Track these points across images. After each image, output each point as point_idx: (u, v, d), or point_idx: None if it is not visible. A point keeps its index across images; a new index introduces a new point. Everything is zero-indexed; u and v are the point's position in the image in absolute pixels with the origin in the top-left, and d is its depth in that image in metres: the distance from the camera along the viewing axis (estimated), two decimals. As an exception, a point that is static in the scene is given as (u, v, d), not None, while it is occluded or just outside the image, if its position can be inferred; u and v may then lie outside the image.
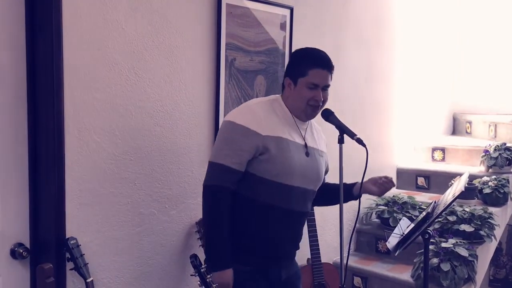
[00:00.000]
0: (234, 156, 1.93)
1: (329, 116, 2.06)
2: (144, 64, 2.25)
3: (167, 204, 2.41)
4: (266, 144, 1.94)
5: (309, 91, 1.98)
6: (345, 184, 2.11)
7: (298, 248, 2.18)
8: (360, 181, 2.09)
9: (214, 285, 2.31)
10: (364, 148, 1.93)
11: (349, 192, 2.17)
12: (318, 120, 2.17)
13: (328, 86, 2.02)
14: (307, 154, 2.05)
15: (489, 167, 3.95)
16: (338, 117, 2.06)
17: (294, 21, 2.99)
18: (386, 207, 3.55)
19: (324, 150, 2.18)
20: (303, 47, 2.12)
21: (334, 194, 2.08)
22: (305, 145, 2.06)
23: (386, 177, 2.13)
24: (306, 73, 1.97)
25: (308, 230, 2.88)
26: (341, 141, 1.98)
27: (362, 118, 3.74)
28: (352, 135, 1.97)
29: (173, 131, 2.41)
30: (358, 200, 2.09)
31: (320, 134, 2.20)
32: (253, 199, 1.99)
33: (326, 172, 2.27)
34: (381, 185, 2.12)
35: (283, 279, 2.09)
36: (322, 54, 2.04)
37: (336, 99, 3.37)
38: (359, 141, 1.95)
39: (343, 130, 2.00)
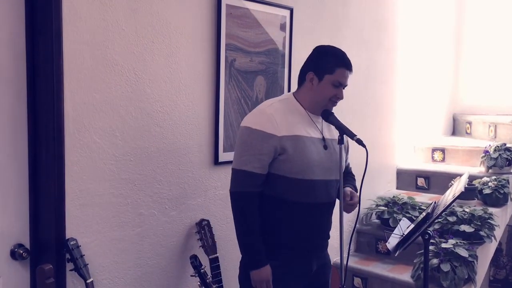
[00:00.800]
0: (255, 161, 1.97)
1: (329, 116, 2.07)
2: (144, 65, 2.25)
3: (167, 205, 2.41)
4: (283, 145, 1.97)
5: (334, 89, 2.04)
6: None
7: (328, 237, 2.19)
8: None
9: (214, 286, 2.32)
10: (364, 149, 1.93)
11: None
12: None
13: (346, 86, 2.09)
14: (325, 147, 2.08)
15: (489, 167, 3.95)
16: (338, 118, 2.07)
17: (294, 22, 3.00)
18: (386, 208, 3.55)
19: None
20: (325, 44, 2.16)
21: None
22: (323, 138, 2.08)
23: (352, 199, 2.11)
24: (334, 71, 2.03)
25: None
26: (341, 141, 1.99)
27: (362, 119, 3.74)
28: (352, 135, 1.98)
29: (173, 131, 2.41)
30: (358, 200, 2.09)
31: None
32: (278, 197, 2.03)
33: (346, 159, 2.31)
34: (346, 205, 2.10)
35: (314, 270, 2.12)
36: (346, 56, 2.09)
37: (336, 100, 3.37)
38: (359, 142, 1.95)
39: (343, 130, 2.00)
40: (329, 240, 2.20)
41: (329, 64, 2.03)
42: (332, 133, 2.14)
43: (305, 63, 2.13)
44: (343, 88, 2.08)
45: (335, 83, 2.04)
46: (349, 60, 2.08)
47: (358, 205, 2.12)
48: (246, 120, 2.07)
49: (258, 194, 2.02)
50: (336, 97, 2.06)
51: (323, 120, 2.12)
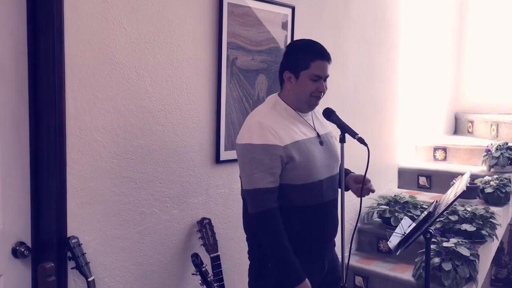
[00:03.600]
0: (267, 176, 1.90)
1: (330, 115, 2.06)
2: (145, 63, 2.25)
3: (169, 203, 2.41)
4: (289, 154, 1.92)
5: (313, 83, 1.98)
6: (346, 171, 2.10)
7: (337, 233, 2.16)
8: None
9: (215, 285, 2.32)
10: (366, 148, 1.93)
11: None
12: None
13: (327, 76, 2.02)
14: (321, 143, 2.05)
15: (490, 166, 3.95)
16: (339, 116, 2.06)
17: (295, 20, 2.99)
18: (388, 207, 3.55)
19: (331, 129, 2.17)
20: (298, 39, 2.11)
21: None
22: (318, 135, 2.06)
23: (367, 185, 2.07)
24: (309, 66, 1.96)
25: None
26: (342, 140, 1.98)
27: (364, 117, 3.74)
28: (353, 134, 1.97)
29: (174, 130, 2.41)
30: (359, 200, 2.08)
31: (321, 114, 2.17)
32: (287, 204, 1.97)
33: None
34: (366, 189, 2.08)
35: (326, 269, 2.10)
36: (320, 46, 2.03)
37: (337, 98, 3.37)
38: (361, 141, 1.95)
39: (344, 129, 1.99)
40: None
41: (303, 60, 1.97)
42: (323, 126, 2.12)
43: (281, 62, 2.08)
44: (325, 80, 2.01)
45: (312, 78, 1.97)
46: (325, 50, 2.00)
47: (360, 203, 2.10)
48: (243, 137, 1.97)
49: (278, 207, 1.94)
50: (318, 91, 1.99)
51: (313, 115, 2.10)
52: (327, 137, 2.11)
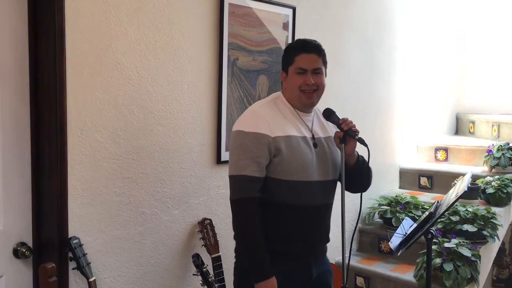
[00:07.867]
0: (253, 164, 1.91)
1: (330, 115, 2.05)
2: (146, 64, 2.25)
3: (170, 203, 2.41)
4: (277, 145, 1.93)
5: (298, 77, 1.98)
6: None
7: (328, 241, 2.13)
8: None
9: (216, 285, 2.32)
10: (366, 148, 1.93)
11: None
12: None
13: (318, 69, 2.00)
14: (315, 145, 2.02)
15: (492, 167, 3.94)
16: (340, 117, 2.05)
17: (296, 21, 2.99)
18: (389, 207, 3.54)
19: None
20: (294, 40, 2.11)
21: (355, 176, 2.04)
22: (313, 137, 2.04)
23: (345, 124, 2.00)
24: (293, 60, 2.00)
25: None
26: (342, 141, 1.97)
27: (364, 118, 3.73)
28: (353, 134, 1.96)
29: (175, 130, 2.41)
30: (360, 200, 2.08)
31: None
32: (274, 201, 1.96)
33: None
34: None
35: (314, 277, 2.06)
36: (308, 40, 2.05)
37: (338, 98, 3.37)
38: (361, 141, 1.94)
39: (344, 129, 1.98)
40: (328, 245, 2.15)
41: (289, 56, 2.02)
42: (325, 130, 2.10)
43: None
44: (314, 73, 1.99)
45: (297, 71, 1.98)
46: (311, 43, 2.01)
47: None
48: (238, 123, 2.00)
49: (259, 199, 1.93)
50: (305, 84, 1.97)
51: (314, 118, 2.09)
52: (326, 141, 2.08)
